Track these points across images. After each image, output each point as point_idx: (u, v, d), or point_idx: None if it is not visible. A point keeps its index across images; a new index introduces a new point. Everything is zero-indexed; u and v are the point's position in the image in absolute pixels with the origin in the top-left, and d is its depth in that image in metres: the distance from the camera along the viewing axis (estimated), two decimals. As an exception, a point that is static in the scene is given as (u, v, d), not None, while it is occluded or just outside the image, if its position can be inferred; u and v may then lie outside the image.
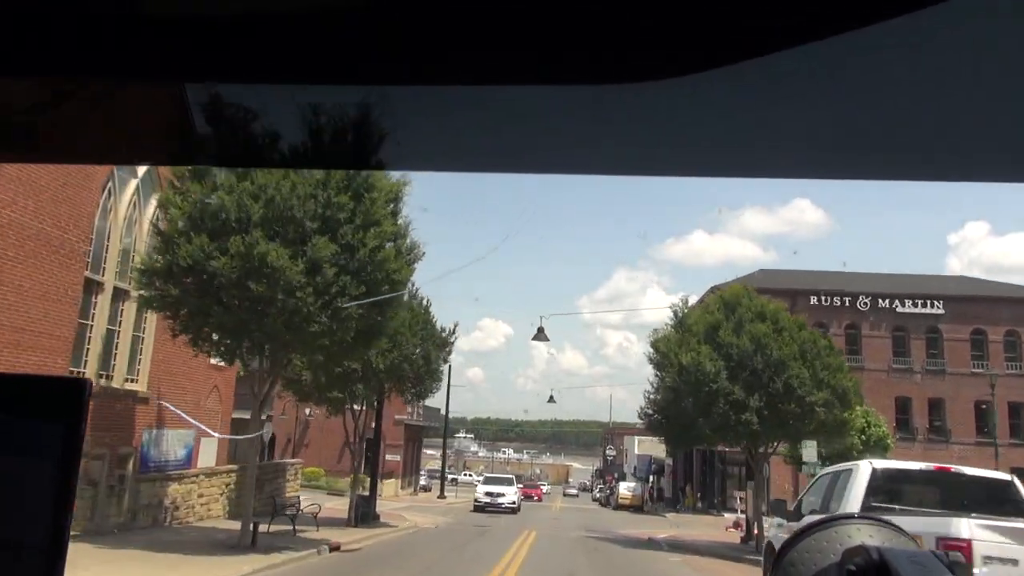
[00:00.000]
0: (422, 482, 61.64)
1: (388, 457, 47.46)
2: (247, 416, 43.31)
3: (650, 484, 60.26)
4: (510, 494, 38.72)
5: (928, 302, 47.43)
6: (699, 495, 51.38)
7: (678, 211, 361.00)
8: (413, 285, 26.35)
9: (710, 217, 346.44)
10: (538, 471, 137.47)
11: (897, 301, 47.28)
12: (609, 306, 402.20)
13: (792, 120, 0.69)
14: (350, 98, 0.71)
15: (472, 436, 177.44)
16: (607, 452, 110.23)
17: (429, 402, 55.43)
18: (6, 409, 0.70)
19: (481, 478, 45.65)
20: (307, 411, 47.46)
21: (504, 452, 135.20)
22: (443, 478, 50.26)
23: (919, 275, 53.68)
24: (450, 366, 57.70)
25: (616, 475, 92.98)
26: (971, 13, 0.57)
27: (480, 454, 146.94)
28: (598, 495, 74.33)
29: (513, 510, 37.53)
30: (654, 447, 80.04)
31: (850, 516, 0.83)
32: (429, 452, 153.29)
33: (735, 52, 0.60)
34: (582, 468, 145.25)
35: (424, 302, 26.24)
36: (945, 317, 47.30)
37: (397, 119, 0.72)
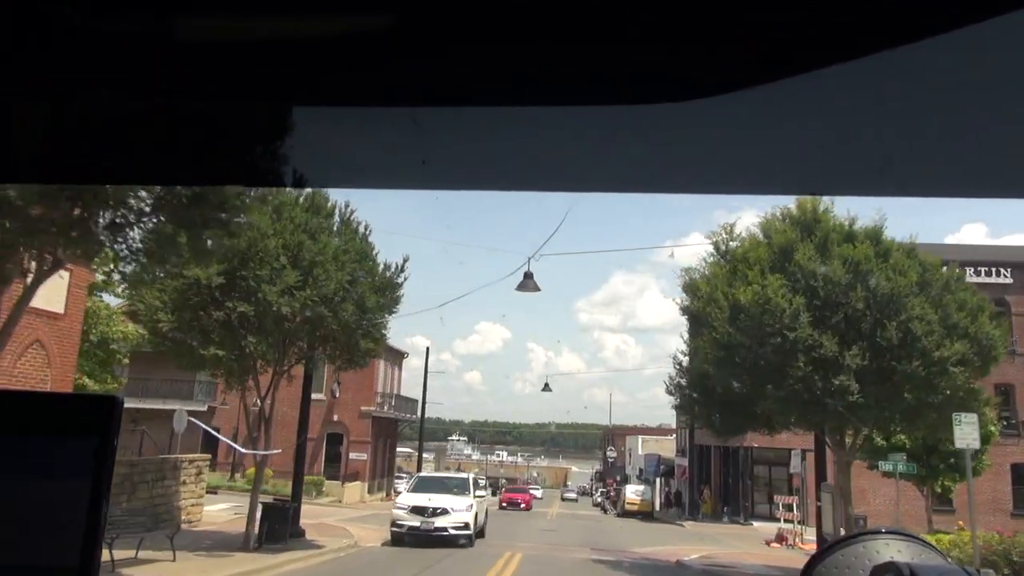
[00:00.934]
0: (401, 486, 53.51)
1: (352, 456, 39.34)
2: (171, 406, 35.22)
3: (665, 487, 52.12)
4: (459, 511, 19.57)
5: (993, 270, 39.44)
6: (721, 500, 43.27)
7: (675, 213, 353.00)
8: (353, 210, 18.41)
9: (708, 219, 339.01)
10: (535, 474, 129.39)
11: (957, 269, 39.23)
12: (607, 310, 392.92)
13: (806, 140, 0.72)
14: (386, 120, 0.72)
15: (465, 439, 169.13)
16: (607, 453, 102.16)
17: (408, 391, 47.25)
18: (37, 428, 0.70)
19: (412, 480, 24.28)
20: (255, 400, 39.34)
21: (498, 455, 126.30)
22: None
23: (977, 245, 45.59)
24: (428, 348, 49.11)
25: (618, 478, 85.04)
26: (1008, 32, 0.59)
27: (474, 457, 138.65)
28: (599, 500, 66.19)
29: (462, 539, 19.33)
30: (660, 446, 72.00)
31: (877, 531, 0.81)
32: (426, 456, 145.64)
33: (750, 77, 0.63)
34: (581, 471, 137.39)
35: (362, 228, 18.21)
36: (1014, 287, 39.32)
37: (427, 139, 0.73)
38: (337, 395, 39.47)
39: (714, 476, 45.50)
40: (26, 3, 0.63)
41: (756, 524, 35.98)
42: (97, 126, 0.76)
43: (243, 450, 37.83)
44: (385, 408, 41.21)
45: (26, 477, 0.70)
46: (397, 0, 0.61)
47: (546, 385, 40.73)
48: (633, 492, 46.67)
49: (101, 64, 0.67)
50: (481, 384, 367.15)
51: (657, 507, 49.16)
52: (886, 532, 0.81)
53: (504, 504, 42.20)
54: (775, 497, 31.05)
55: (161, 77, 0.68)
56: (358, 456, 39.32)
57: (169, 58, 0.66)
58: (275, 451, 38.63)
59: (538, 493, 63.59)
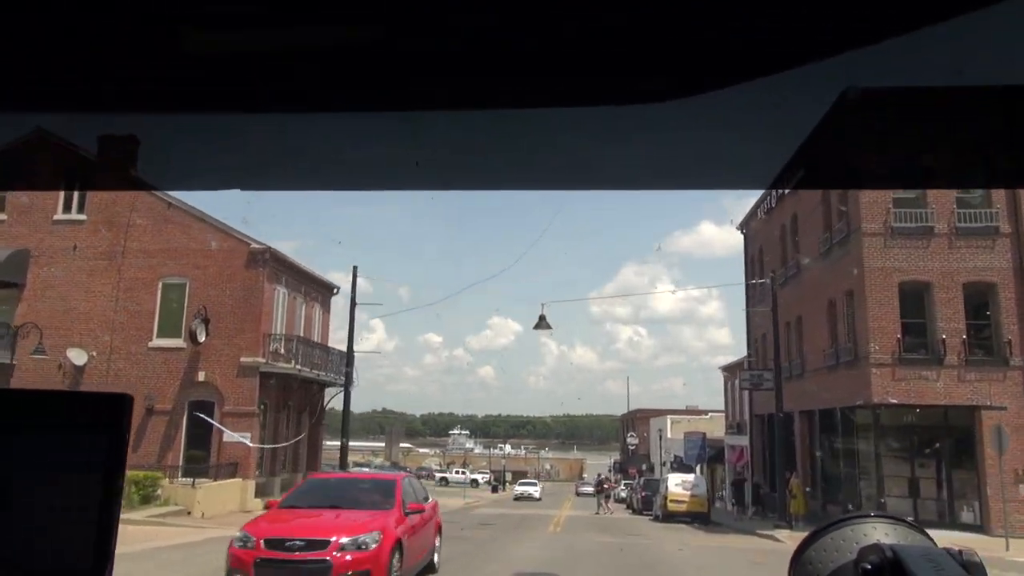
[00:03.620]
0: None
1: (228, 436, 23.36)
2: None
3: (740, 475, 35.80)
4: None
5: None
6: (820, 494, 27.10)
7: (683, 204, 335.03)
8: None
9: (718, 207, 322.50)
10: (547, 467, 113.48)
11: None
12: (618, 302, 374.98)
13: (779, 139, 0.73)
14: (382, 125, 0.73)
15: (467, 432, 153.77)
16: (628, 440, 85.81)
17: (336, 337, 31.14)
18: (49, 426, 0.70)
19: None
20: (76, 354, 23.61)
21: (501, 448, 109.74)
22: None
23: None
24: (355, 268, 32.46)
25: (644, 467, 69.12)
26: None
27: (476, 451, 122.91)
28: (624, 495, 50.03)
29: None
30: (694, 428, 55.96)
31: (866, 514, 0.83)
32: (424, 450, 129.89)
33: (724, 77, 0.64)
34: (597, 463, 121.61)
35: None
36: None
37: (425, 143, 0.75)
38: (202, 338, 23.53)
39: (801, 457, 29.33)
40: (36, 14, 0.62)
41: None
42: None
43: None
44: (284, 361, 25.15)
45: (37, 476, 0.67)
46: (386, 12, 0.61)
47: (541, 318, 24.78)
48: (679, 484, 30.49)
49: (110, 75, 0.67)
50: (495, 379, 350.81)
51: (736, 506, 33.19)
52: (875, 516, 0.82)
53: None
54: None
55: (167, 88, 0.68)
56: (237, 436, 23.40)
57: (175, 70, 0.66)
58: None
59: (535, 491, 46.02)
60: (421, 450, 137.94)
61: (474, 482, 72.12)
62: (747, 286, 37.05)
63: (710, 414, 65.79)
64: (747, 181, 0.80)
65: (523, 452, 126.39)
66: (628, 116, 0.67)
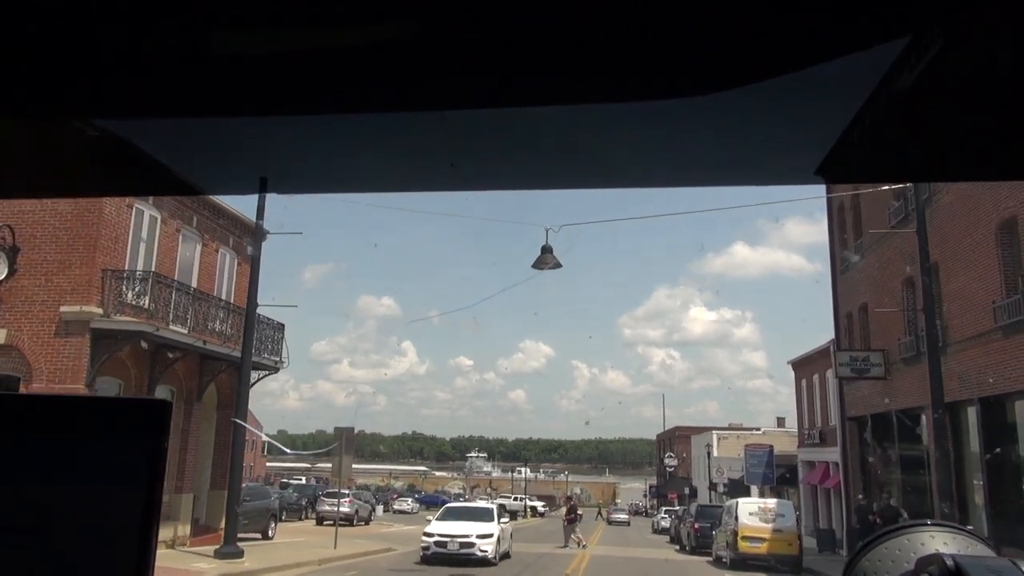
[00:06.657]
0: (346, 508, 28.48)
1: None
2: None
3: (860, 500, 25.75)
4: None
5: None
6: (989, 530, 17.26)
7: (715, 225, 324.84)
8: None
9: (750, 229, 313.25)
10: (578, 491, 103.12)
11: None
12: (650, 324, 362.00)
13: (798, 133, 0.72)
14: (410, 123, 0.71)
15: (485, 455, 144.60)
16: (666, 461, 75.40)
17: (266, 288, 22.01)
18: (87, 435, 0.68)
19: None
20: None
21: (520, 471, 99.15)
22: (233, 497, 16.34)
23: None
24: (263, 182, 24.24)
25: (686, 490, 59.10)
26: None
27: (494, 474, 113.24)
28: (666, 524, 40.02)
29: None
30: (749, 441, 45.96)
31: (923, 523, 0.77)
32: (440, 474, 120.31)
33: (751, 73, 0.62)
34: (631, 488, 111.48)
35: None
36: None
37: (458, 143, 0.74)
38: (2, 276, 14.63)
39: (937, 474, 19.52)
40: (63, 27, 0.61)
41: None
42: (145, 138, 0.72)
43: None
44: (139, 315, 15.99)
45: (75, 489, 0.65)
46: (420, 8, 0.60)
47: (544, 251, 15.64)
48: (754, 514, 20.61)
49: (139, 80, 0.66)
50: (526, 403, 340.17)
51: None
52: (932, 524, 0.76)
53: None
54: None
55: (196, 92, 0.67)
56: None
57: (203, 73, 0.65)
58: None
59: (480, 537, 23.12)
60: (438, 473, 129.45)
61: (533, 510, 61.19)
62: (832, 245, 27.46)
63: (763, 429, 55.68)
64: (788, 175, 0.77)
65: (543, 475, 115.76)
66: (668, 111, 0.64)
